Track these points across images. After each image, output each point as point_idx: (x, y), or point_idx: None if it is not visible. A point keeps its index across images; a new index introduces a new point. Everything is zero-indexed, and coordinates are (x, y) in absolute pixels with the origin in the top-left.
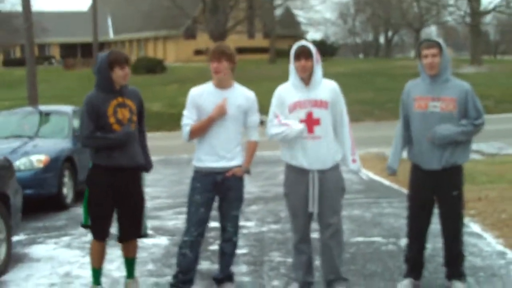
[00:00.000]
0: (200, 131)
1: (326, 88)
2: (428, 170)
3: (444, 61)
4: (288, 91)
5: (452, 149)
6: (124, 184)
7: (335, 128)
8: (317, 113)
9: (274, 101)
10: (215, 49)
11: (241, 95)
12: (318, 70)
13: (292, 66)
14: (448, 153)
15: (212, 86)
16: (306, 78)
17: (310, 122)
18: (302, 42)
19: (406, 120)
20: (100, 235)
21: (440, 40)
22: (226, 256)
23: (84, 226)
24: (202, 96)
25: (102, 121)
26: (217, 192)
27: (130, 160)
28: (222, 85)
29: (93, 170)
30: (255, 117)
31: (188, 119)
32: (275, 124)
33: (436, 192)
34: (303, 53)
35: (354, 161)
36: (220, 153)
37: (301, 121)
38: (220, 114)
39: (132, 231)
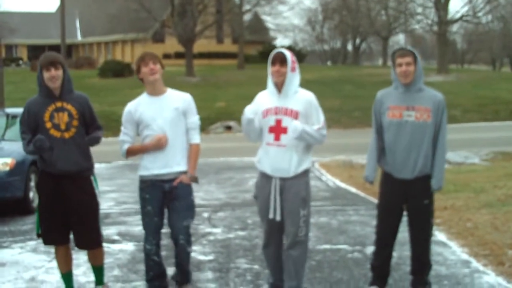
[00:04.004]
0: (136, 154)
1: (301, 98)
2: (400, 179)
3: (418, 70)
4: (263, 98)
5: (424, 159)
6: (71, 191)
7: None
8: (286, 121)
9: (252, 105)
10: (147, 53)
11: (176, 98)
12: (293, 79)
13: (268, 72)
14: (421, 163)
15: (146, 97)
16: (280, 85)
17: (278, 130)
18: (280, 49)
19: (379, 129)
20: (51, 241)
21: (414, 49)
22: (183, 265)
23: (38, 235)
24: (138, 110)
25: (40, 126)
26: (166, 202)
27: (70, 165)
28: (156, 91)
29: (40, 177)
30: (195, 119)
31: (125, 135)
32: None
33: (407, 201)
34: (278, 58)
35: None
36: (165, 160)
37: (270, 127)
38: (156, 147)
39: (87, 240)
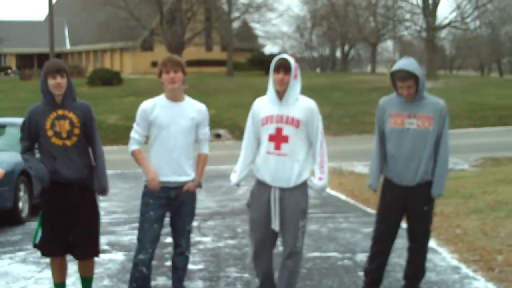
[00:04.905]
0: (136, 162)
1: (302, 106)
2: (402, 185)
3: (420, 84)
4: (263, 105)
5: (426, 166)
6: (75, 200)
7: (311, 146)
8: (287, 130)
9: (250, 113)
10: (171, 60)
11: (193, 108)
12: (295, 86)
13: (270, 78)
14: (422, 170)
15: (164, 99)
16: (282, 93)
17: (279, 139)
18: (283, 55)
19: (381, 136)
20: (50, 252)
21: (414, 64)
22: (179, 270)
23: (35, 245)
24: (154, 110)
25: (42, 134)
26: (170, 208)
27: (74, 171)
28: (175, 97)
29: (46, 186)
30: (206, 130)
31: (137, 133)
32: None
33: (408, 207)
34: (282, 66)
35: (320, 179)
36: (173, 167)
37: (271, 136)
38: (150, 179)
39: (87, 250)
